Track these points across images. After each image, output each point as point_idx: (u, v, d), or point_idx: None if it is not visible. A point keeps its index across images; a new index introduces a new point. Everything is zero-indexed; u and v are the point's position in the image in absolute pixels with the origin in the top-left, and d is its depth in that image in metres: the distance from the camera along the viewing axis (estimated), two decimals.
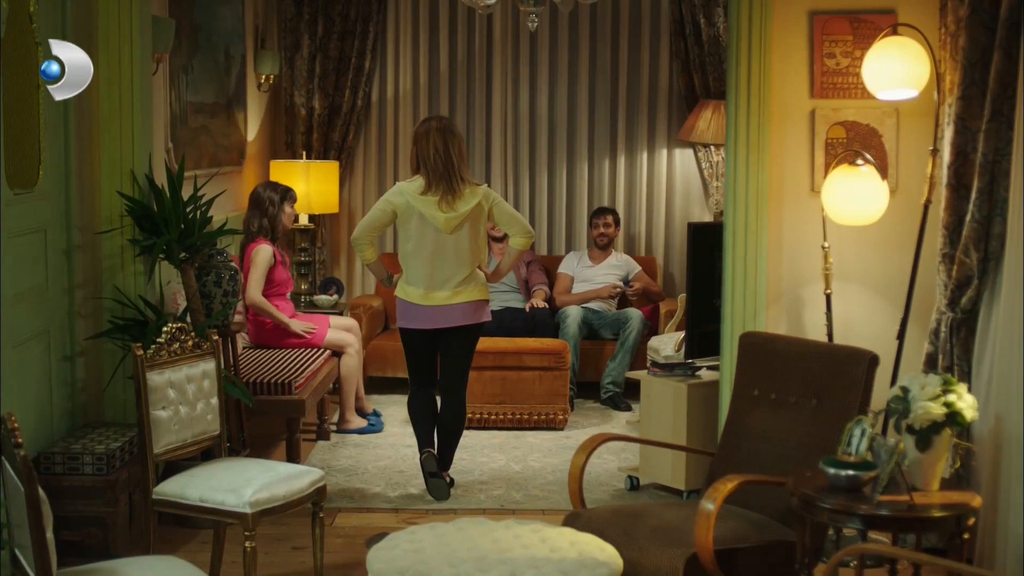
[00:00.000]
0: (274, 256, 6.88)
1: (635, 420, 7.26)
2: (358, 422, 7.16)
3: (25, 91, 4.53)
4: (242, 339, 6.64)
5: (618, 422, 7.50)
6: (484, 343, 7.36)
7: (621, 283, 8.26)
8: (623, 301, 8.27)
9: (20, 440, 3.14)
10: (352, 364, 7.10)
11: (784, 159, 5.28)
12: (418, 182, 5.79)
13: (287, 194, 7.08)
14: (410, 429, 7.03)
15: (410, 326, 5.92)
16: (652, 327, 7.95)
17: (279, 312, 6.94)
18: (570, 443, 6.89)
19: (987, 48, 4.54)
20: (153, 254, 5.32)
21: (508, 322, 7.96)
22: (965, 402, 3.84)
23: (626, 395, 7.79)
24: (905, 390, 3.88)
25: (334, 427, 7.16)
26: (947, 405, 3.80)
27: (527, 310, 8.08)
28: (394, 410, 7.64)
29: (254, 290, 6.79)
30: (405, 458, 6.52)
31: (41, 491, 3.13)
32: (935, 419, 3.80)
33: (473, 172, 8.84)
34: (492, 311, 8.10)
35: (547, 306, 8.16)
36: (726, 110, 5.40)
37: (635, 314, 7.92)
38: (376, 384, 8.08)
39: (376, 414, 7.39)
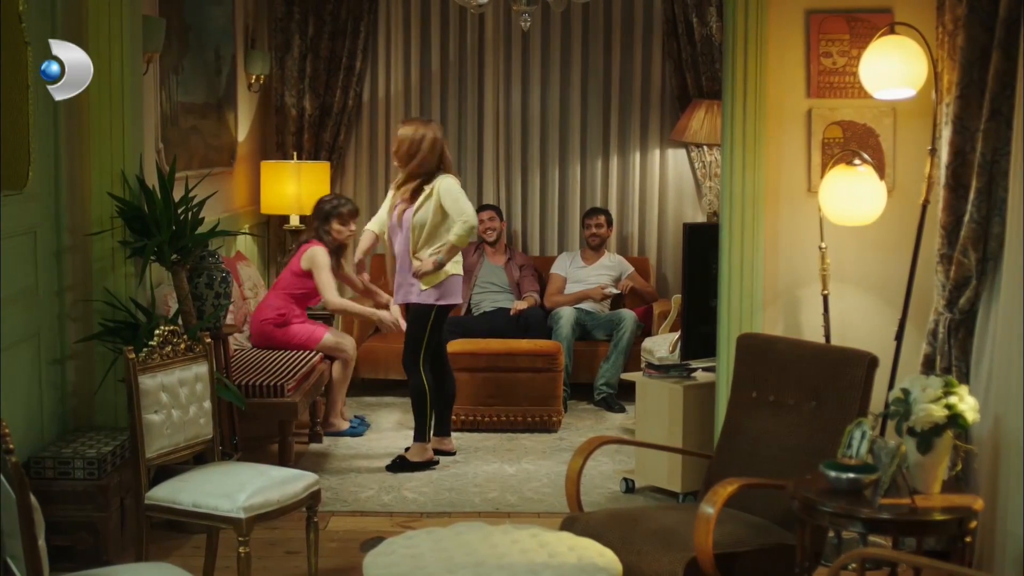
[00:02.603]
0: (327, 257, 6.92)
1: (630, 422, 7.23)
2: (342, 424, 7.12)
3: (15, 91, 4.48)
4: (234, 341, 6.58)
5: (612, 423, 7.47)
6: (477, 344, 7.35)
7: (613, 286, 8.22)
8: (616, 302, 8.23)
9: (11, 446, 3.09)
10: (348, 368, 7.08)
11: (780, 159, 5.25)
12: (454, 177, 6.40)
13: (336, 210, 7.02)
14: (404, 431, 7.03)
15: (459, 300, 6.57)
16: (645, 328, 7.93)
17: (364, 308, 7.08)
18: (564, 445, 6.86)
19: (985, 47, 4.51)
20: (144, 256, 5.27)
21: (500, 323, 7.93)
22: (966, 404, 3.81)
23: (619, 396, 7.76)
24: (906, 392, 3.85)
25: (352, 428, 7.15)
26: (948, 407, 3.78)
27: (511, 313, 8.04)
28: (386, 412, 7.60)
29: (330, 293, 6.89)
30: None
31: (33, 498, 3.09)
32: (936, 421, 3.77)
33: (465, 172, 8.82)
34: (484, 312, 8.11)
35: (535, 304, 8.15)
36: (722, 110, 5.37)
37: (628, 315, 7.89)
38: (368, 386, 8.03)
39: (358, 418, 7.35)
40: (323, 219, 7.01)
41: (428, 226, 6.28)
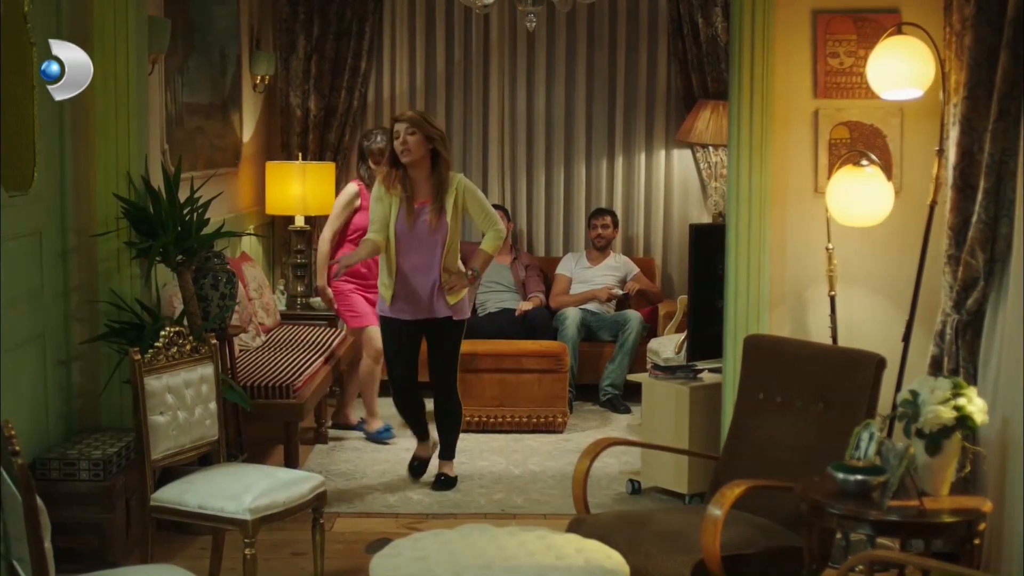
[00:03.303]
0: (359, 196, 6.68)
1: (635, 423, 7.22)
2: (354, 419, 7.14)
3: (20, 92, 4.46)
4: (240, 342, 6.57)
5: (618, 424, 7.45)
6: (482, 345, 7.33)
7: (619, 287, 8.20)
8: (622, 303, 8.22)
9: (17, 448, 3.08)
10: (374, 370, 6.95)
11: (787, 159, 5.23)
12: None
13: (368, 148, 6.96)
14: (408, 433, 7.03)
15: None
16: (651, 329, 7.91)
17: (322, 270, 6.79)
18: (570, 446, 6.84)
19: (993, 47, 4.49)
20: (150, 257, 5.26)
21: (505, 324, 7.91)
22: (975, 406, 3.80)
23: (624, 397, 7.74)
24: (915, 393, 3.84)
25: (361, 424, 7.10)
26: (957, 409, 3.77)
27: (516, 314, 8.02)
28: (395, 412, 7.57)
29: (326, 227, 6.74)
30: (404, 462, 6.46)
31: (39, 500, 3.07)
32: (945, 423, 3.77)
33: (470, 173, 8.79)
34: (490, 313, 8.09)
35: (540, 304, 8.14)
36: (728, 110, 5.36)
37: (634, 316, 7.87)
38: None
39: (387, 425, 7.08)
40: (361, 158, 6.95)
41: (455, 235, 5.87)
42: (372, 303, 6.74)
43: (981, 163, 4.56)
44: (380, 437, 6.99)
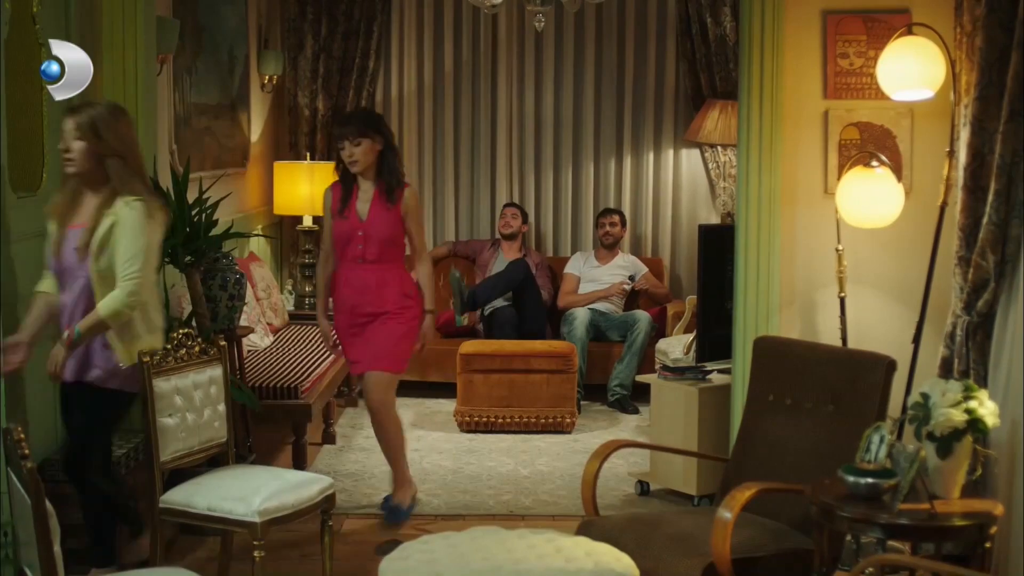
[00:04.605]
0: (329, 197, 5.59)
1: (644, 423, 7.21)
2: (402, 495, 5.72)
3: (29, 93, 4.47)
4: (248, 342, 6.56)
5: (626, 425, 7.44)
6: (491, 346, 7.31)
7: (628, 281, 8.21)
8: (630, 303, 8.21)
9: (27, 452, 3.07)
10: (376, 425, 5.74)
11: (797, 160, 5.22)
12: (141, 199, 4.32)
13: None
14: (416, 433, 7.03)
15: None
16: (660, 329, 7.90)
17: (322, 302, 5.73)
18: (578, 447, 6.83)
19: (1004, 48, 4.47)
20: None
21: (504, 322, 7.92)
22: (986, 408, 3.78)
23: (633, 397, 7.73)
24: (926, 396, 3.82)
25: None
26: (968, 412, 3.75)
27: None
28: (401, 413, 7.56)
29: (325, 240, 5.65)
30: (415, 463, 6.44)
31: (48, 504, 3.07)
32: (956, 426, 3.75)
33: (478, 173, 8.78)
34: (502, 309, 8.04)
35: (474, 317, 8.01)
36: (738, 111, 5.35)
37: (643, 316, 7.86)
38: None
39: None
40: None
41: (97, 273, 4.31)
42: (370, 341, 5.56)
43: (992, 164, 4.53)
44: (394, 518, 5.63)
